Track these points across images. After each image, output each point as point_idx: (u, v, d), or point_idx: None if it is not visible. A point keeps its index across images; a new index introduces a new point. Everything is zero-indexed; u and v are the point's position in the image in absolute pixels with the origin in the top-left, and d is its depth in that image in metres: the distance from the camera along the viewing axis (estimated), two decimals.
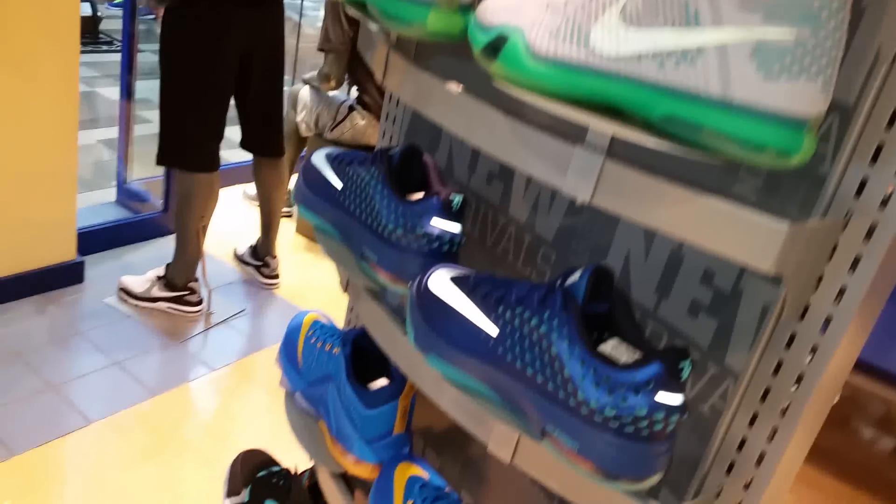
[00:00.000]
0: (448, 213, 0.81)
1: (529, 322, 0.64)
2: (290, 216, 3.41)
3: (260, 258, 2.81)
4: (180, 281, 2.46)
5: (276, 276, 2.81)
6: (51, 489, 1.75)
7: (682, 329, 0.72)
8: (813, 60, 0.49)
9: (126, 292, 2.47)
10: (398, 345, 0.82)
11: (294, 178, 3.51)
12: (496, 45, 0.61)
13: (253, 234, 2.94)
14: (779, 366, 0.63)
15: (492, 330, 0.67)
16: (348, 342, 0.96)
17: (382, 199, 0.84)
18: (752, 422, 0.64)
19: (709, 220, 0.56)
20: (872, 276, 0.58)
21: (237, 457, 1.16)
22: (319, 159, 0.97)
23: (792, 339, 0.62)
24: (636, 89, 0.55)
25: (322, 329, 1.05)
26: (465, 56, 0.68)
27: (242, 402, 2.22)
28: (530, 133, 0.64)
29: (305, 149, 3.37)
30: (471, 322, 0.69)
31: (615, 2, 0.55)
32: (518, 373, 0.65)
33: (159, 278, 2.48)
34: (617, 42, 0.55)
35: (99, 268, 2.65)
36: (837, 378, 0.63)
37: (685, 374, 0.58)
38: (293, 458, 1.28)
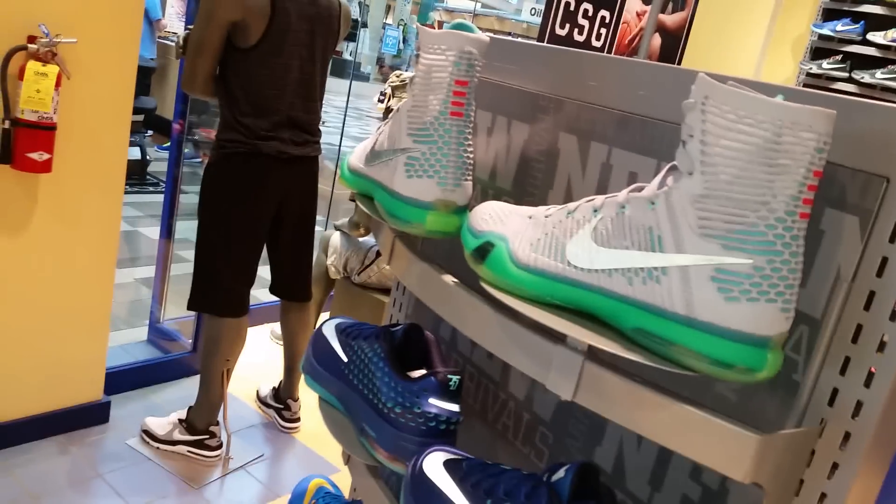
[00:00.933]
0: (446, 393, 0.84)
1: None
2: None
3: (282, 401, 2.82)
4: (201, 424, 2.48)
5: (297, 420, 2.81)
6: None
7: None
8: (771, 285, 0.53)
9: (148, 434, 2.49)
10: None
11: (321, 317, 3.58)
12: (484, 250, 0.66)
13: (277, 375, 2.97)
14: None
15: None
16: None
17: (383, 375, 0.87)
18: None
19: (684, 427, 0.57)
20: (851, 481, 0.58)
21: None
22: (329, 330, 1.01)
23: None
24: (609, 301, 0.59)
25: (325, 498, 1.05)
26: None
27: None
28: (517, 329, 0.67)
29: (333, 290, 3.46)
30: None
31: (587, 222, 0.60)
32: None
33: (181, 421, 2.50)
34: (589, 257, 0.59)
35: (125, 407, 2.69)
36: None
37: None
38: None
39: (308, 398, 3.03)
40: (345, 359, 0.95)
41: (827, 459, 0.59)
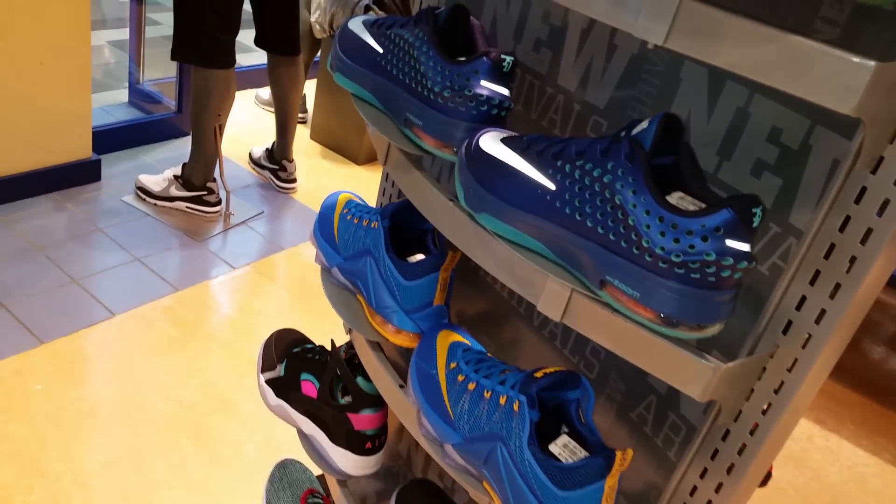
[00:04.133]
0: (498, 74, 0.78)
1: (591, 173, 0.63)
2: (304, 122, 3.37)
3: (276, 161, 2.78)
4: (198, 181, 2.44)
5: (294, 181, 2.79)
6: (79, 375, 1.78)
7: (745, 190, 0.70)
8: None
9: (144, 191, 2.46)
10: (442, 211, 0.80)
11: (308, 82, 3.44)
12: None
13: (268, 139, 2.91)
14: (846, 221, 0.61)
15: (549, 184, 0.66)
16: (387, 215, 0.95)
17: (428, 59, 0.81)
18: (813, 280, 0.63)
19: (790, 58, 0.53)
20: None
21: (271, 335, 1.17)
22: (356, 25, 0.93)
23: (863, 192, 0.60)
24: None
25: (357, 207, 1.04)
26: None
27: (264, 299, 2.24)
28: None
29: (320, 52, 3.29)
30: (527, 178, 0.67)
31: None
32: (577, 224, 0.63)
33: (177, 177, 2.46)
34: None
35: (115, 167, 2.63)
36: None
37: (756, 221, 0.57)
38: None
39: (302, 159, 2.99)
40: (380, 50, 0.88)
41: None
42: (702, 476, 0.70)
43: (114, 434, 1.64)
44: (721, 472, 0.68)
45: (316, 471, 1.30)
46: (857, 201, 0.60)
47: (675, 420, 0.76)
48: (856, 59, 0.51)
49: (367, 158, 3.17)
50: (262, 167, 2.83)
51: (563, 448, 0.70)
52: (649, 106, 0.79)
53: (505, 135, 0.75)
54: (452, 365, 0.80)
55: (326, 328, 1.26)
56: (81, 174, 2.49)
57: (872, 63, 0.50)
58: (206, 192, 2.45)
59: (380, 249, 0.94)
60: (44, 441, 1.58)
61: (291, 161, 2.78)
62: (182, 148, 2.79)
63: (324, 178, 3.00)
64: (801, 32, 0.58)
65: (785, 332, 0.65)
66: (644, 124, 0.62)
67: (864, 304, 0.64)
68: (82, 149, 2.47)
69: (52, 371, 1.76)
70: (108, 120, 2.78)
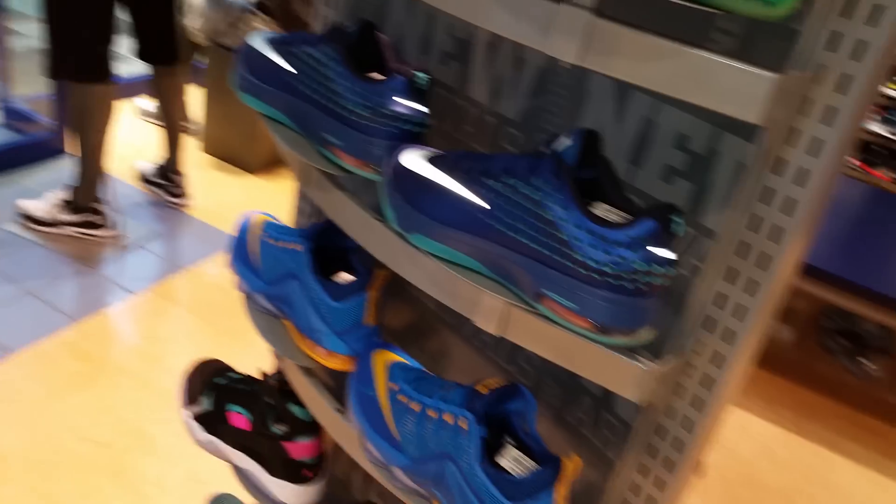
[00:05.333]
0: (415, 91, 0.79)
1: (520, 191, 0.64)
2: (189, 131, 3.24)
3: (166, 176, 2.67)
4: (85, 203, 2.31)
5: (186, 195, 2.69)
6: None
7: (657, 195, 0.73)
8: None
9: (28, 218, 2.31)
10: (368, 230, 0.80)
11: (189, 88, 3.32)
12: None
13: (154, 152, 2.78)
14: (755, 220, 0.65)
15: (479, 202, 0.67)
16: (310, 237, 0.93)
17: (342, 78, 0.80)
18: (728, 277, 0.67)
19: (697, 72, 0.56)
20: (846, 126, 0.60)
21: (192, 366, 1.13)
22: (260, 43, 0.91)
23: (768, 192, 0.64)
24: None
25: (276, 229, 1.01)
26: None
27: (169, 324, 2.15)
28: None
29: (208, 59, 3.18)
30: (459, 197, 0.68)
31: None
32: (510, 241, 0.65)
33: (63, 201, 2.32)
34: None
35: None
36: (811, 228, 0.66)
37: (678, 228, 0.60)
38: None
39: (195, 173, 2.88)
40: (290, 69, 0.86)
41: (823, 104, 0.60)
42: (641, 472, 0.73)
43: (27, 482, 1.54)
44: (658, 466, 0.72)
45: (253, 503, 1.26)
46: (764, 200, 0.65)
47: (610, 420, 0.79)
48: (757, 72, 0.55)
49: (260, 167, 3.10)
50: (152, 183, 2.71)
51: (514, 461, 0.72)
52: (561, 117, 0.81)
53: (429, 153, 0.75)
54: (393, 385, 0.80)
55: (238, 349, 1.23)
56: None
57: (773, 75, 0.54)
58: (94, 215, 2.32)
59: (304, 272, 0.93)
60: None
61: (180, 174, 2.67)
62: (62, 168, 2.63)
63: (219, 190, 2.91)
64: (701, 45, 0.61)
65: (707, 328, 0.69)
66: (567, 140, 0.64)
67: (777, 296, 0.69)
68: None
69: None
70: None
